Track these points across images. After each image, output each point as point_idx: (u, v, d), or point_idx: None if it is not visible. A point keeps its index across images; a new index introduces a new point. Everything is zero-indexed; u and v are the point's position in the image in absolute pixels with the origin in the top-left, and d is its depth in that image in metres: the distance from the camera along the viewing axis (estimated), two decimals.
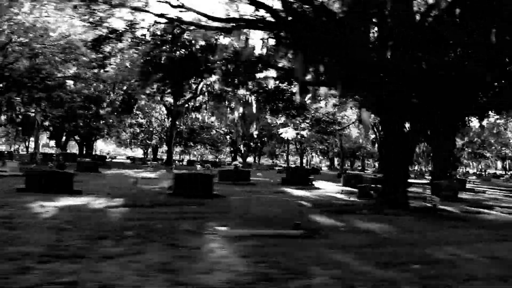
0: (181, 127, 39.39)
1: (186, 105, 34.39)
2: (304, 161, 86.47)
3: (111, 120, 28.89)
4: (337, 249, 5.00)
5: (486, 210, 10.62)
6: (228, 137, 51.27)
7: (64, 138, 36.88)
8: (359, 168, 69.58)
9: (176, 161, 49.73)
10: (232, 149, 57.28)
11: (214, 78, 17.32)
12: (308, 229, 5.97)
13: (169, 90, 19.00)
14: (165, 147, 70.33)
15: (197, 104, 34.69)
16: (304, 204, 9.92)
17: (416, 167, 57.95)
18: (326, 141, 55.69)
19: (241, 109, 20.61)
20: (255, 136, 33.01)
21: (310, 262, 4.33)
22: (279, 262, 4.26)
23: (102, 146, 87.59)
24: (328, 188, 16.07)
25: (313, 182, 17.48)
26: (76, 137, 46.09)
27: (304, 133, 28.14)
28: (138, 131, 43.16)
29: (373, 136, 50.17)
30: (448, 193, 13.77)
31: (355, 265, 4.33)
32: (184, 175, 11.09)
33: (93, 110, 23.75)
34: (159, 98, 23.74)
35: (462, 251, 5.24)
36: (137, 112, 35.00)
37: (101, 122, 27.65)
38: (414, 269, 4.20)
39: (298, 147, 59.69)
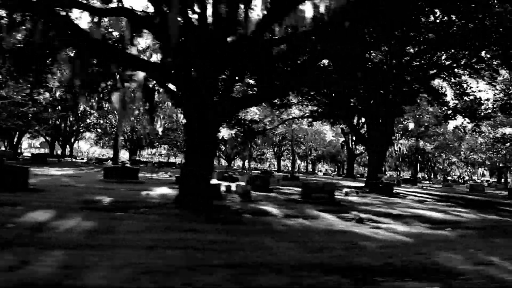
0: (138, 128, 38.81)
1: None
2: (291, 165, 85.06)
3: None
4: None
5: (324, 214, 9.42)
6: None
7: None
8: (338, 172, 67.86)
9: (154, 163, 48.99)
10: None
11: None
12: None
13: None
14: (151, 149, 69.43)
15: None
16: (101, 200, 8.92)
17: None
18: (303, 144, 54.45)
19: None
20: (160, 133, 31.99)
21: None
22: None
23: (89, 148, 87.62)
24: None
25: None
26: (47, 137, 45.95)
27: (233, 132, 27.10)
28: (99, 131, 42.57)
29: (342, 139, 48.76)
30: (320, 195, 12.60)
31: None
32: None
33: None
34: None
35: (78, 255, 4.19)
36: (92, 111, 34.53)
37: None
38: None
39: (275, 150, 58.46)
